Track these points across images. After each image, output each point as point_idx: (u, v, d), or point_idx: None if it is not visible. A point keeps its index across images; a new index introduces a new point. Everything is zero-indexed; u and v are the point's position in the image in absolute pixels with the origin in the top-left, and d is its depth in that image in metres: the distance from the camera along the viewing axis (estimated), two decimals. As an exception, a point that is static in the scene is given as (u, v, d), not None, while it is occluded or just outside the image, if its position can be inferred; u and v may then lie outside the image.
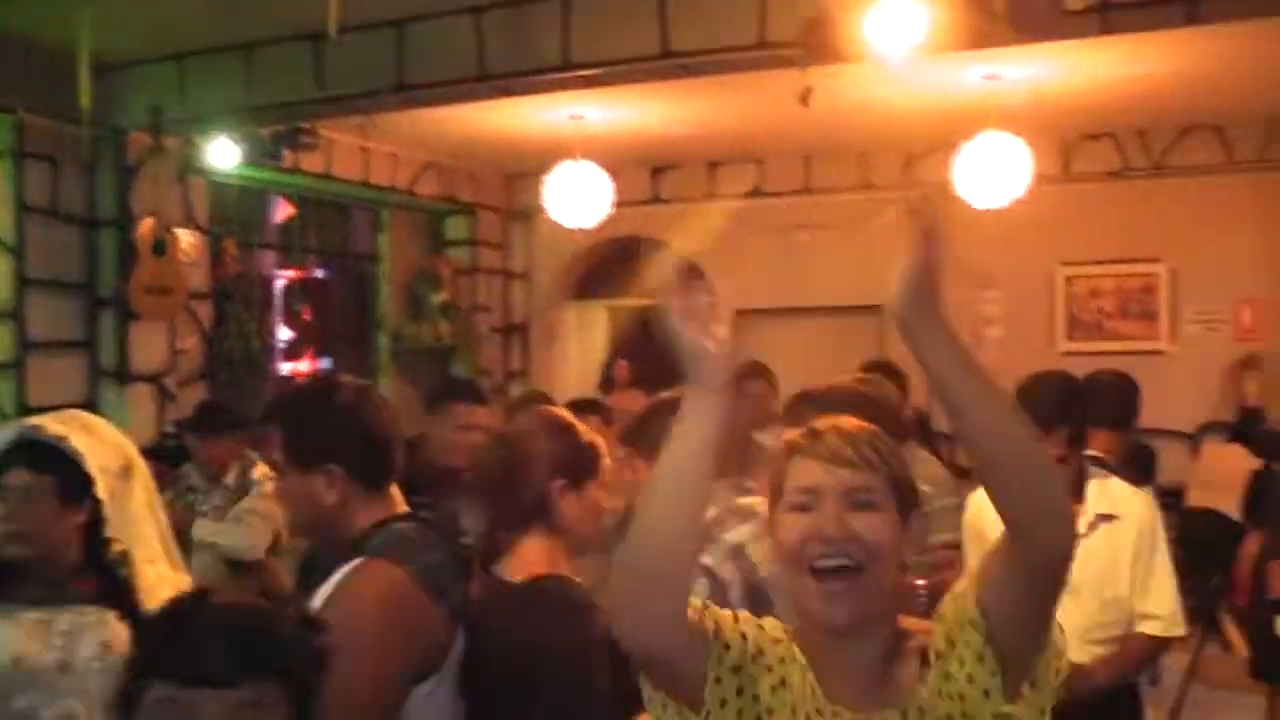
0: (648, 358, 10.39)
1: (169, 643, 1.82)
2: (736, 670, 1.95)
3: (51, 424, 3.30)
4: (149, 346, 7.92)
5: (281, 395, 3.22)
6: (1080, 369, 4.64)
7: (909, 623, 2.06)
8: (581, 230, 9.66)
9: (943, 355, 1.79)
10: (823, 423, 2.08)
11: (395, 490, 2.95)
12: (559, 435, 3.17)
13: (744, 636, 1.99)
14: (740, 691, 1.96)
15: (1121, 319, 10.09)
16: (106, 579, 3.28)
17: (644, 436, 3.54)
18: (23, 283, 7.37)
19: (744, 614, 2.07)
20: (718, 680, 1.94)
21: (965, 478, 4.21)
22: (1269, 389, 9.46)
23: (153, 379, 7.96)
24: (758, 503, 3.24)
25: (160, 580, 3.33)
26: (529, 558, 3.03)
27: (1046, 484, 1.78)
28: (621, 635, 1.89)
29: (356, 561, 2.71)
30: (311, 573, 2.95)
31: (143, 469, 3.52)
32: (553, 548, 3.05)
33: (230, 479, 6.31)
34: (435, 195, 10.86)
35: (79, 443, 3.27)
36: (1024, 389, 4.04)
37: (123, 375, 7.72)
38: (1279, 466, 4.68)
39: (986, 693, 1.88)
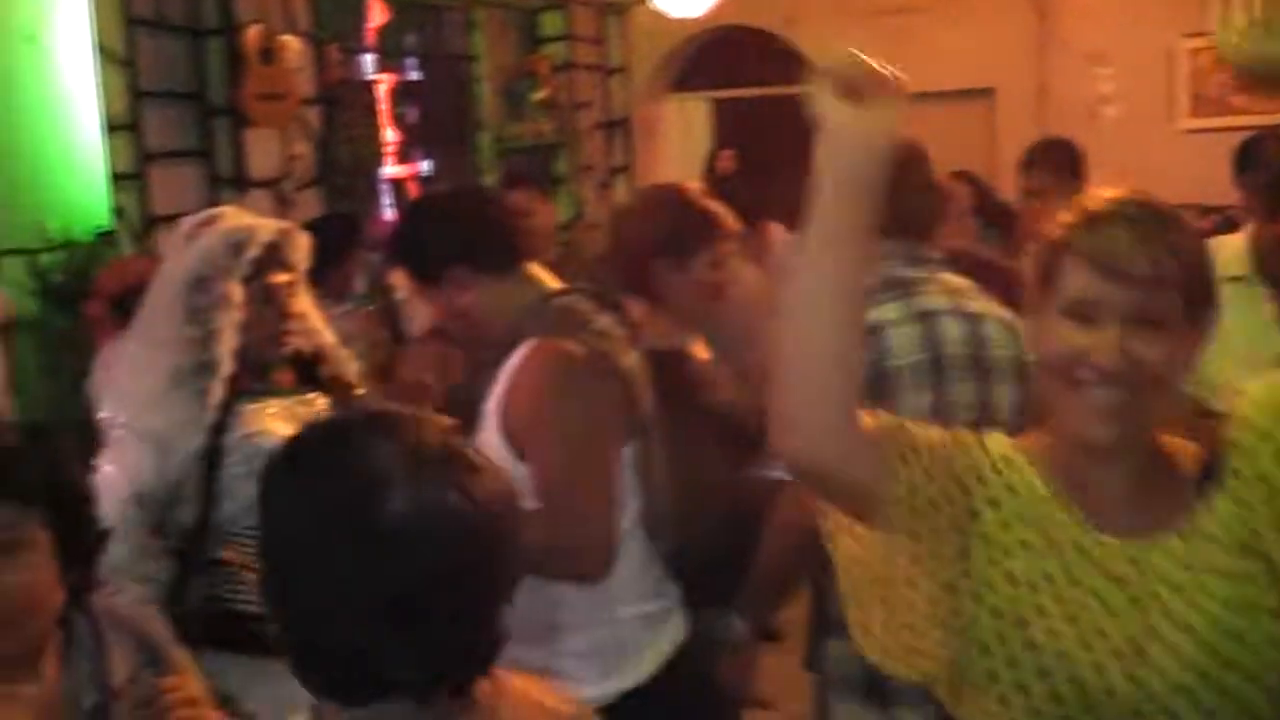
0: (752, 148, 10.38)
1: None
2: (945, 498, 1.75)
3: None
4: (264, 153, 8.00)
5: (392, 233, 3.29)
6: (1204, 147, 4.57)
7: (1173, 442, 1.84)
8: (681, 21, 9.56)
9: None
10: (1105, 205, 1.75)
11: (537, 270, 2.97)
12: (659, 213, 3.19)
13: (954, 459, 1.78)
14: (961, 529, 1.76)
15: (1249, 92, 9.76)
16: (303, 368, 3.39)
17: None
18: (136, 95, 7.45)
19: (961, 434, 1.84)
20: (916, 498, 1.73)
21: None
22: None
23: (269, 184, 8.06)
24: (925, 279, 3.09)
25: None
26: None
27: None
28: (788, 455, 1.71)
29: (522, 348, 2.75)
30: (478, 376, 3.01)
31: None
32: (664, 323, 3.17)
33: (359, 286, 6.39)
34: (528, -9, 10.78)
35: None
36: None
37: (240, 182, 7.81)
38: None
39: None
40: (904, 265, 3.07)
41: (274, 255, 3.22)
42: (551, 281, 2.96)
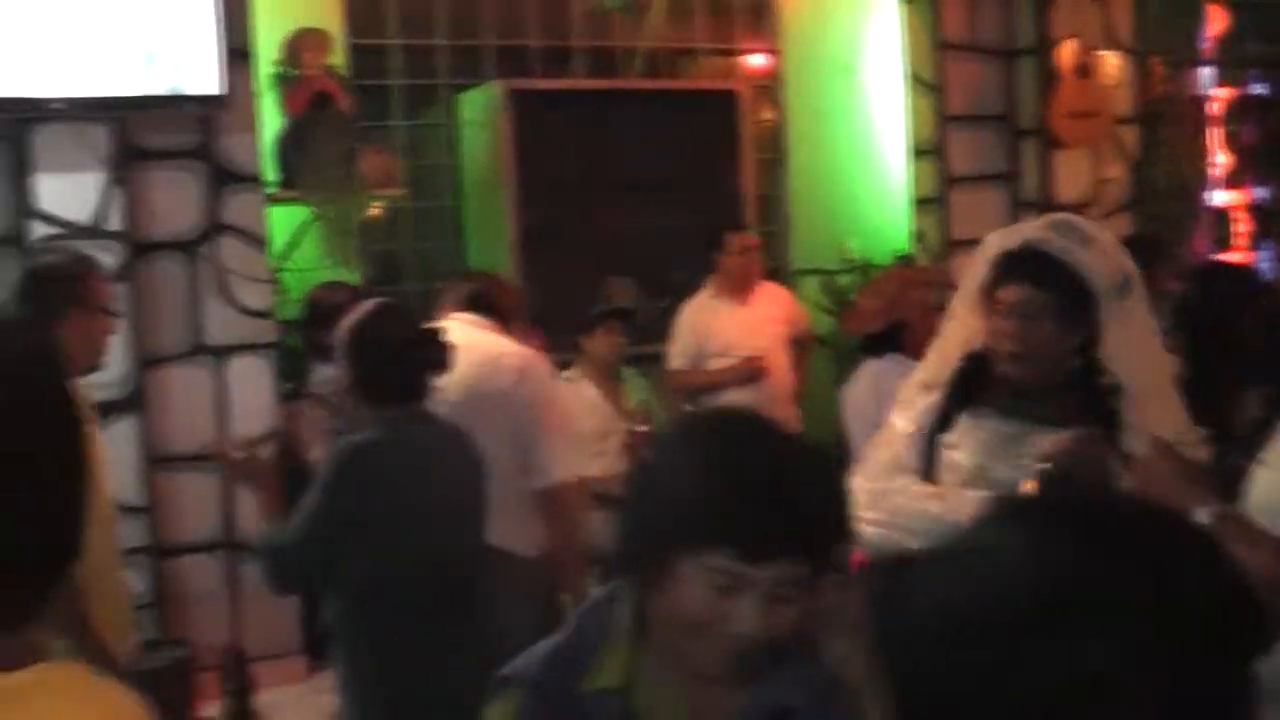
0: None
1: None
2: None
3: (1056, 236, 3.07)
4: (1072, 176, 7.78)
5: None
6: None
7: None
8: None
9: None
10: None
11: None
12: None
13: None
14: None
15: None
16: (1090, 407, 3.01)
17: None
18: (943, 119, 7.48)
19: None
20: None
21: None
22: None
23: (1077, 209, 7.77)
24: None
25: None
26: None
27: None
28: None
29: None
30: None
31: (1140, 285, 3.18)
32: None
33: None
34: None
35: (1082, 257, 3.02)
36: None
37: (1045, 206, 7.59)
38: None
39: None
40: None
41: (1008, 266, 3.00)
42: None
